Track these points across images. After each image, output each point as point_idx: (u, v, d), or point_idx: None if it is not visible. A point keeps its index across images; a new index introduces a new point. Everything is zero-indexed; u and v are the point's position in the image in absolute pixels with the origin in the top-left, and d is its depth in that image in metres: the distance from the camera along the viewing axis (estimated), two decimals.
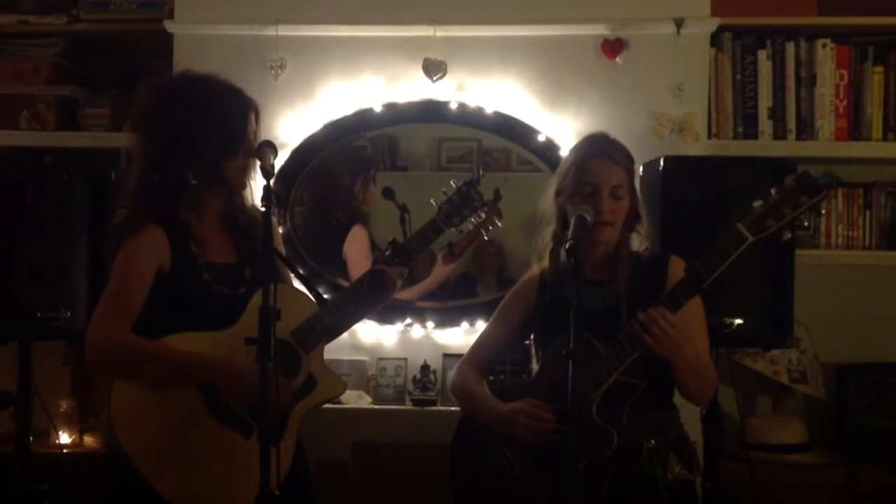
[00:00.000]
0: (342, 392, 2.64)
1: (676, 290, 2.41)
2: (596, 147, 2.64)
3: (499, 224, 3.07)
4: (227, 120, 2.47)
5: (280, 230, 3.65)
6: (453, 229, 2.74)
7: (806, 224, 2.43)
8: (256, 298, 2.36)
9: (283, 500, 2.22)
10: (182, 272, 2.45)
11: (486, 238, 3.24)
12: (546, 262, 2.69)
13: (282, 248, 2.69)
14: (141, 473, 2.30)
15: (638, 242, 2.67)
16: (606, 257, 2.62)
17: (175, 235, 2.46)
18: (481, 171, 2.75)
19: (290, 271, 2.59)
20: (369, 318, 3.58)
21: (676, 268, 2.57)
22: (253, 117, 2.54)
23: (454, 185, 2.72)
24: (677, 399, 2.60)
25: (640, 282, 2.56)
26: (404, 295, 3.68)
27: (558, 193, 2.65)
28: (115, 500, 2.44)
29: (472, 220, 2.76)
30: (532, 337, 2.79)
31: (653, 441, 2.45)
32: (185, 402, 2.36)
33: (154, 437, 2.33)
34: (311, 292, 2.45)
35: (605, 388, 2.42)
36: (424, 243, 2.68)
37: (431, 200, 2.72)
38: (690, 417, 2.87)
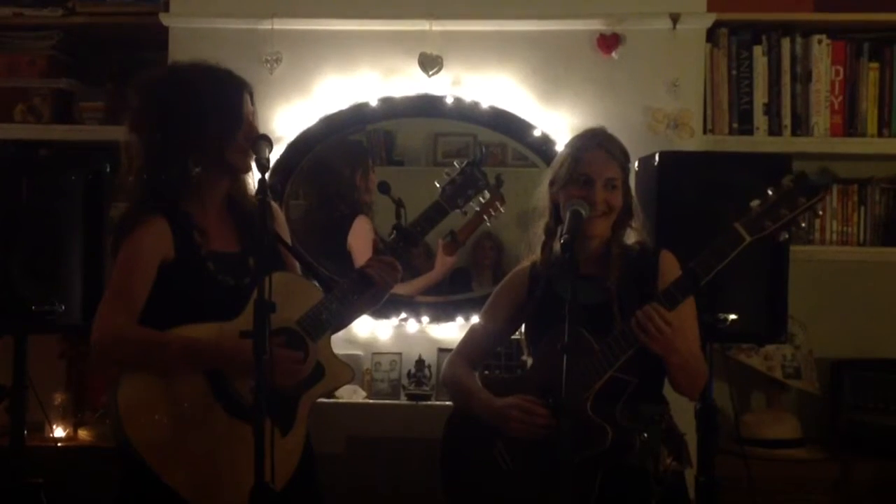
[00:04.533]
0: (351, 379, 2.62)
1: (673, 289, 2.41)
2: (593, 140, 2.64)
3: (501, 210, 3.05)
4: (222, 101, 2.45)
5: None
6: (457, 212, 2.68)
7: (804, 224, 2.42)
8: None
9: (291, 493, 2.22)
10: (186, 263, 2.43)
11: (488, 224, 3.22)
12: (538, 255, 2.69)
13: (287, 237, 2.67)
14: (150, 466, 2.29)
15: (631, 238, 2.68)
16: (598, 252, 2.62)
17: (178, 226, 2.44)
18: (484, 150, 2.70)
19: (296, 260, 2.59)
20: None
21: (667, 262, 2.58)
22: (248, 97, 2.52)
23: (457, 166, 2.67)
24: (667, 391, 2.61)
25: (632, 276, 2.57)
26: (406, 289, 3.68)
27: (552, 184, 2.65)
28: (126, 495, 2.43)
29: (476, 202, 2.69)
30: (523, 330, 2.79)
31: (645, 434, 2.45)
32: (194, 395, 2.35)
33: (163, 429, 2.32)
34: (317, 279, 2.43)
35: (600, 384, 2.42)
36: (429, 226, 2.63)
37: (435, 182, 2.67)
38: (685, 412, 2.88)
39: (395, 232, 2.61)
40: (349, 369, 2.59)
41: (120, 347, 2.35)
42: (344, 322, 2.66)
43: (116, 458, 2.41)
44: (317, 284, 2.56)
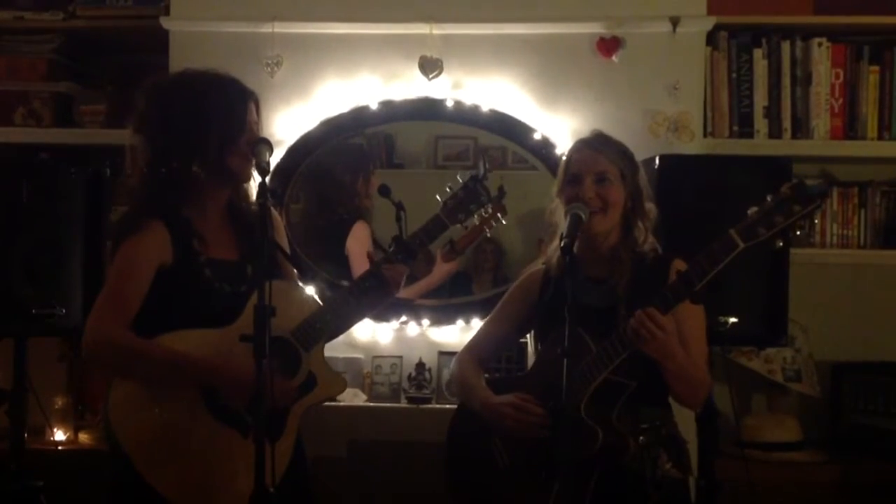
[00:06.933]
0: (342, 390, 2.63)
1: (667, 293, 2.41)
2: (583, 142, 2.67)
3: (503, 221, 3.05)
4: (226, 109, 2.46)
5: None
6: (457, 226, 2.68)
7: (799, 233, 2.41)
8: (257, 295, 2.37)
9: (280, 499, 2.23)
10: (183, 269, 2.44)
11: (488, 235, 3.22)
12: (553, 261, 2.70)
13: (286, 245, 2.68)
14: (138, 471, 2.30)
15: (643, 240, 2.66)
16: (609, 255, 2.62)
17: (177, 231, 2.45)
18: (487, 166, 2.69)
19: (294, 268, 2.59)
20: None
21: (676, 270, 2.57)
22: (253, 107, 2.53)
23: (460, 180, 2.66)
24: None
25: (642, 282, 2.55)
26: (404, 293, 3.67)
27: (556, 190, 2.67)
28: (115, 498, 2.43)
29: (478, 216, 2.69)
30: (533, 332, 2.80)
31: (642, 438, 2.45)
32: (183, 400, 2.36)
33: (152, 434, 2.33)
34: (316, 284, 2.43)
35: (594, 386, 2.42)
36: (428, 240, 2.63)
37: (437, 196, 2.66)
38: (686, 416, 2.87)
39: (393, 244, 2.61)
40: (341, 380, 2.60)
41: (108, 352, 2.35)
42: (340, 329, 2.67)
43: (110, 461, 2.41)
44: (313, 294, 2.56)
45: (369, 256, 2.66)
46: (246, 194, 2.59)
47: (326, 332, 2.51)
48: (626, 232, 2.63)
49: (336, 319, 2.53)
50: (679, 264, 2.58)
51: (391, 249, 2.61)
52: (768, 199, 2.37)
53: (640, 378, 2.44)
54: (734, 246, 2.36)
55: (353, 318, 2.67)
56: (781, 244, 2.42)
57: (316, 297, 2.56)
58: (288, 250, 2.65)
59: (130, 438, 2.33)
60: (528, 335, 2.90)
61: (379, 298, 2.60)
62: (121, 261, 2.42)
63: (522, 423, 2.48)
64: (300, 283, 2.66)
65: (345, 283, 2.58)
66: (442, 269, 3.74)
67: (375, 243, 3.69)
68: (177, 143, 2.44)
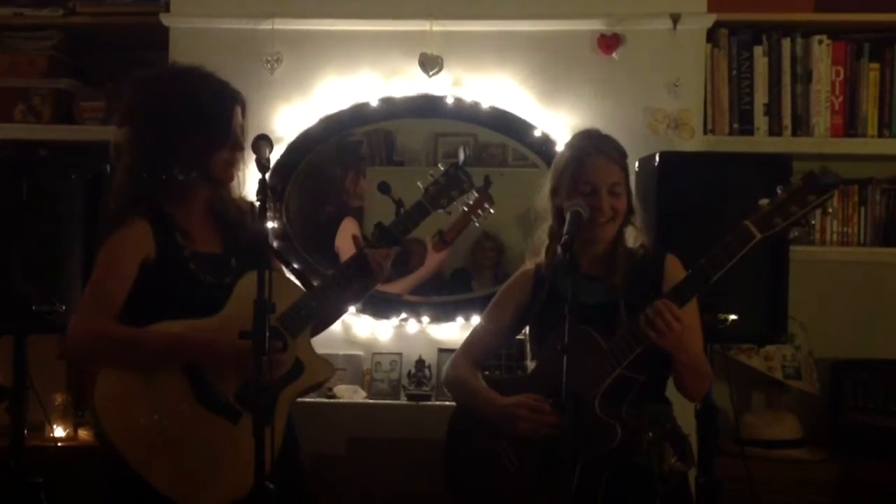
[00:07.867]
0: (330, 376, 2.64)
1: (682, 286, 2.41)
2: (592, 144, 2.64)
3: (491, 211, 3.06)
4: (212, 114, 2.46)
5: (275, 224, 3.66)
6: (442, 213, 2.71)
7: (813, 222, 2.43)
8: (240, 285, 2.39)
9: (274, 486, 2.23)
10: (167, 262, 2.45)
11: (477, 224, 3.22)
12: (542, 257, 2.70)
13: (270, 239, 2.69)
14: (129, 463, 2.30)
15: (633, 237, 2.67)
16: (603, 253, 2.62)
17: (160, 226, 2.46)
18: (468, 152, 2.73)
19: (277, 260, 2.60)
20: (364, 313, 3.59)
21: (672, 265, 2.58)
22: (239, 111, 2.53)
23: (441, 168, 2.71)
24: (670, 392, 2.61)
25: (637, 278, 2.57)
26: (397, 287, 3.68)
27: (555, 191, 2.65)
28: (113, 492, 2.44)
29: (462, 202, 2.74)
30: (527, 331, 2.79)
31: (650, 433, 2.46)
32: (171, 390, 2.36)
33: (141, 425, 2.33)
34: (298, 279, 2.45)
35: (608, 382, 2.42)
36: (411, 225, 2.65)
37: (418, 183, 2.69)
38: (685, 413, 2.88)
39: (376, 231, 2.62)
40: (329, 366, 2.60)
41: (96, 345, 2.36)
42: (327, 318, 2.68)
43: (104, 458, 2.42)
44: (298, 283, 2.58)
45: (355, 240, 2.67)
46: (228, 192, 2.59)
47: (312, 318, 2.52)
48: (620, 231, 2.64)
49: (321, 306, 2.53)
50: (672, 259, 2.60)
51: (373, 235, 2.63)
52: (779, 190, 2.37)
53: (646, 373, 2.45)
54: (751, 237, 2.36)
55: (340, 305, 2.68)
56: (797, 234, 2.43)
57: (301, 286, 2.56)
58: (274, 243, 2.66)
59: (119, 432, 2.32)
60: (522, 334, 2.89)
61: (364, 285, 2.61)
62: (103, 257, 2.43)
63: (536, 424, 2.47)
64: (287, 274, 2.66)
65: (326, 274, 2.57)
66: (433, 259, 3.74)
67: (365, 239, 3.69)
68: (159, 144, 2.44)
